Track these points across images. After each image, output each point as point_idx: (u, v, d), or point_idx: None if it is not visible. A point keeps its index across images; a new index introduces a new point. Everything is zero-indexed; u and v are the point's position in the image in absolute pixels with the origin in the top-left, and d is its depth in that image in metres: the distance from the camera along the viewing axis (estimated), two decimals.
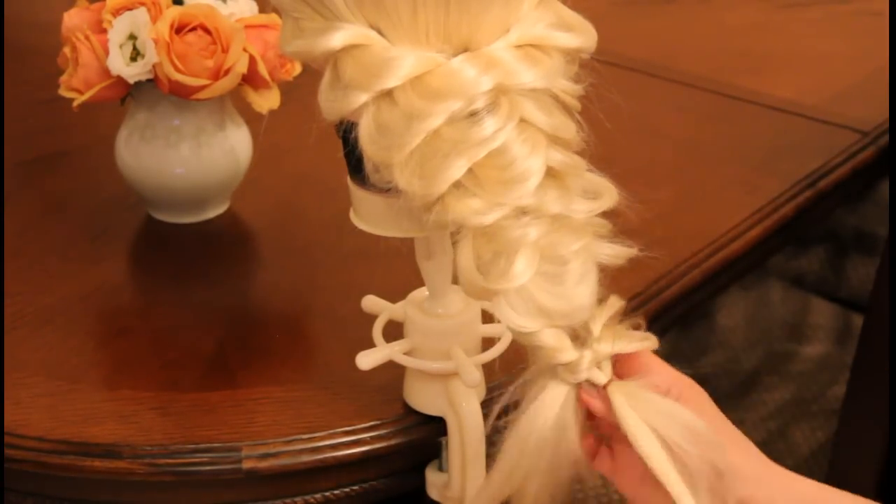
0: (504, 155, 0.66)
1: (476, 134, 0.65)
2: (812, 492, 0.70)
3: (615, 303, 0.72)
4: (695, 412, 0.70)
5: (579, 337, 0.70)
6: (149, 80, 1.00)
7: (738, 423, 0.73)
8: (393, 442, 0.85)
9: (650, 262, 0.91)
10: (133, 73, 0.98)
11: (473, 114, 0.66)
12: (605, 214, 0.71)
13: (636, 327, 0.72)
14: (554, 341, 0.68)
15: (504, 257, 0.67)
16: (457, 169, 0.66)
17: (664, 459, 0.67)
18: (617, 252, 0.70)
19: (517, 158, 0.66)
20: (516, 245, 0.67)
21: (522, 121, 0.67)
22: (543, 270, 0.67)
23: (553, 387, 0.70)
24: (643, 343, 0.71)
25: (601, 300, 0.71)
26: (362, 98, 0.66)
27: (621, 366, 0.72)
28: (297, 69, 1.03)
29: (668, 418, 0.68)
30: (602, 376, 0.70)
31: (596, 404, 0.70)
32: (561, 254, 0.68)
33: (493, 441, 0.73)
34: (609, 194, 0.70)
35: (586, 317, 0.69)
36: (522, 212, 0.67)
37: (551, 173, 0.67)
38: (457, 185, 0.66)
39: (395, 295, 0.87)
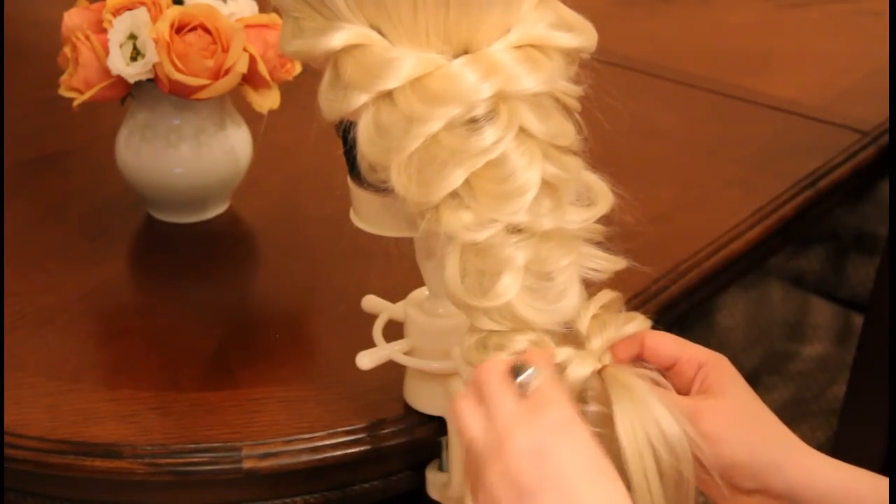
0: (502, 166, 0.66)
1: (475, 143, 0.65)
2: (834, 472, 0.69)
3: (604, 296, 0.71)
4: (720, 400, 0.70)
5: (573, 337, 0.70)
6: (149, 80, 1.00)
7: None
8: (393, 442, 0.85)
9: (649, 263, 0.92)
10: (133, 72, 0.98)
11: (473, 121, 0.65)
12: (605, 214, 0.71)
13: (620, 310, 0.72)
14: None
15: (489, 276, 0.67)
16: (455, 178, 0.65)
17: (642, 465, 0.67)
18: (603, 266, 0.71)
19: (516, 170, 0.66)
20: (504, 266, 0.67)
21: (521, 131, 0.66)
22: (527, 284, 0.68)
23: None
24: (631, 325, 0.71)
25: (591, 294, 0.71)
26: (362, 98, 0.66)
27: (651, 356, 0.72)
28: (297, 69, 1.03)
29: (650, 418, 0.68)
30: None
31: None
32: (548, 270, 0.68)
33: None
34: (604, 199, 0.70)
35: (561, 326, 0.69)
36: (515, 229, 0.67)
37: (546, 185, 0.67)
38: (453, 195, 0.66)
39: (394, 295, 0.87)
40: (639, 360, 0.73)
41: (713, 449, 0.68)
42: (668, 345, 0.72)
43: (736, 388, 0.71)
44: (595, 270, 0.70)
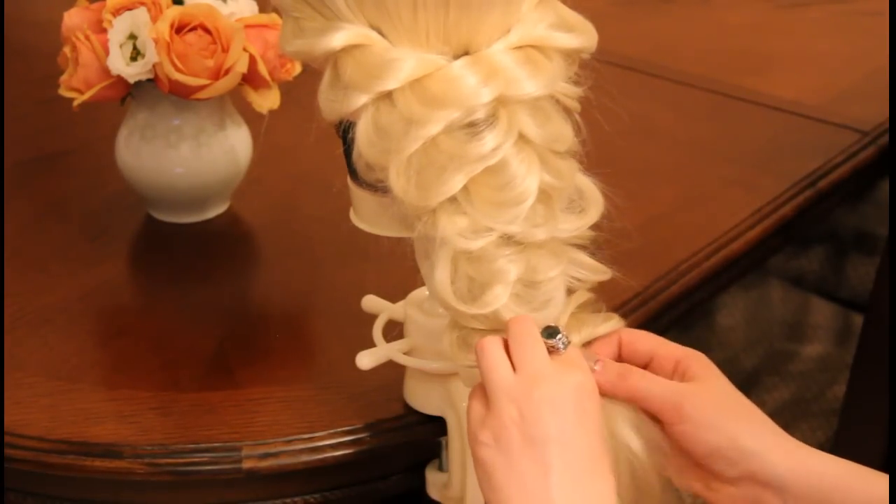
0: (502, 173, 0.66)
1: (475, 149, 0.65)
2: (823, 464, 0.69)
3: (580, 296, 0.72)
4: (703, 384, 0.70)
5: None
6: (149, 80, 1.00)
7: None
8: (393, 442, 0.85)
9: (649, 262, 0.92)
10: (133, 72, 0.98)
11: (472, 125, 0.65)
12: (606, 213, 0.71)
13: (598, 311, 0.73)
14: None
15: (479, 285, 0.67)
16: (454, 183, 0.66)
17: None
18: (588, 276, 0.71)
19: (515, 177, 0.66)
20: (495, 279, 0.67)
21: (521, 137, 0.66)
22: (514, 292, 0.68)
23: None
24: (607, 325, 0.72)
25: (570, 292, 0.71)
26: (362, 99, 0.66)
27: (628, 352, 0.72)
28: (297, 69, 1.03)
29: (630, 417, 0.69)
30: None
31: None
32: (537, 280, 0.68)
33: None
34: (595, 206, 0.71)
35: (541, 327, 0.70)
36: (508, 239, 0.67)
37: (540, 193, 0.67)
38: (450, 199, 0.66)
39: (394, 295, 0.87)
40: (617, 357, 0.73)
41: (696, 434, 0.69)
42: (645, 340, 0.73)
43: (716, 376, 0.71)
44: (579, 280, 0.71)
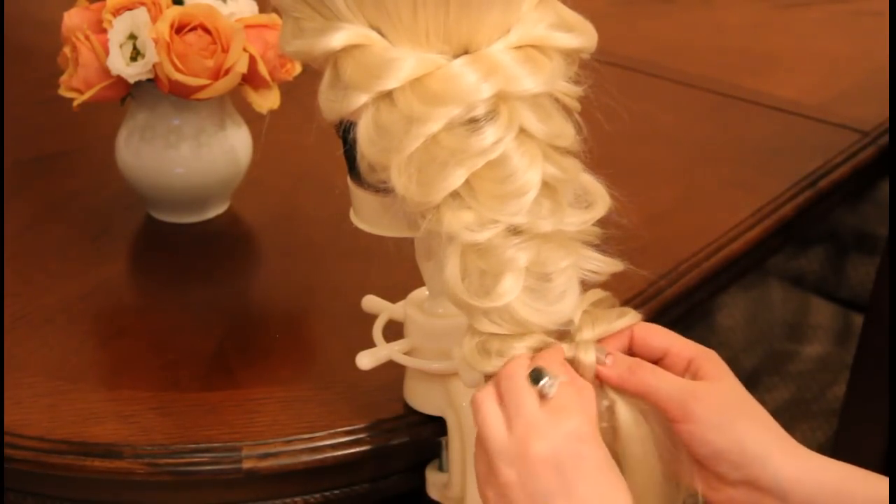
0: (503, 167, 0.66)
1: (475, 143, 0.65)
2: (825, 470, 0.69)
3: (594, 294, 0.72)
4: (713, 385, 0.70)
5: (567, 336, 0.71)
6: (149, 80, 1.00)
7: None
8: (393, 442, 0.85)
9: (650, 263, 0.92)
10: (133, 72, 0.98)
11: (473, 121, 0.66)
12: (611, 209, 0.71)
13: (612, 307, 0.73)
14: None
15: (491, 276, 0.67)
16: (455, 178, 0.66)
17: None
18: (601, 268, 0.71)
19: (517, 171, 0.66)
20: (506, 267, 0.67)
21: (521, 131, 0.67)
22: (527, 285, 0.68)
23: None
24: (623, 320, 0.72)
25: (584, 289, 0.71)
26: (362, 99, 0.66)
27: (640, 347, 0.72)
28: (297, 69, 1.03)
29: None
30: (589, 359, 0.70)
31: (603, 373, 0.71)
32: (548, 272, 0.68)
33: None
34: (602, 201, 0.71)
35: (558, 326, 0.70)
36: (515, 230, 0.67)
37: (545, 186, 0.67)
38: (454, 195, 0.66)
39: (394, 295, 0.87)
40: (627, 352, 0.73)
41: (702, 434, 0.69)
42: (658, 336, 0.73)
43: (727, 377, 0.71)
44: (593, 272, 0.71)
